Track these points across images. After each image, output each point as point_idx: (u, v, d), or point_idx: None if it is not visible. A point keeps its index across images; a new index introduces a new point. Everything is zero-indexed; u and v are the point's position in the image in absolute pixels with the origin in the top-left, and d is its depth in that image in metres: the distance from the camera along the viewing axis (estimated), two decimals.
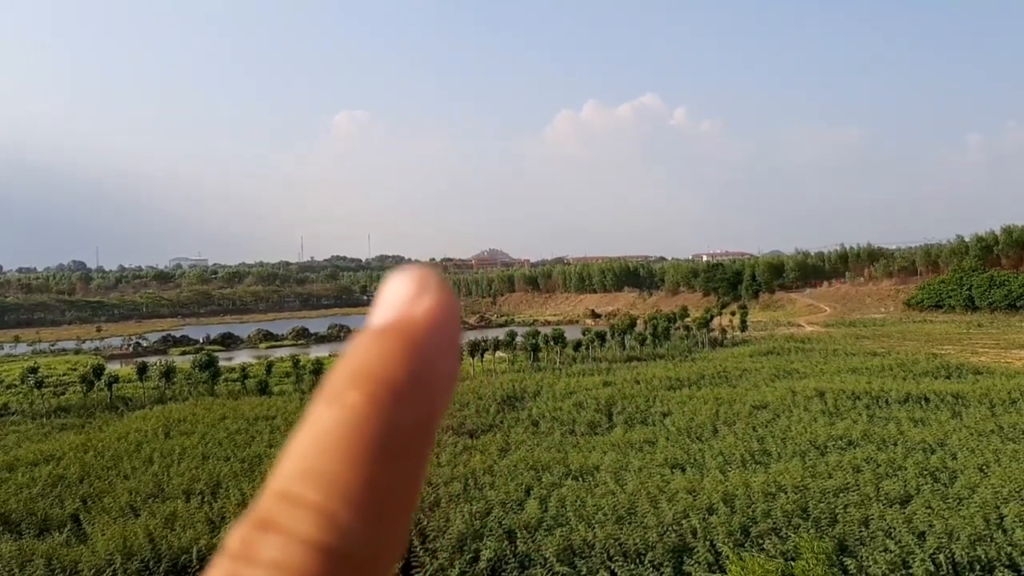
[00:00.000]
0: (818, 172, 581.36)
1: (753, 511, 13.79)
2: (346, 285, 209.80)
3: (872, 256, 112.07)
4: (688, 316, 71.67)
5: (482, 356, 49.95)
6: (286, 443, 0.53)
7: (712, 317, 67.35)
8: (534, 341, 52.85)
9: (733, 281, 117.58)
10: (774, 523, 13.22)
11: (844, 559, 11.45)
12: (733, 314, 73.07)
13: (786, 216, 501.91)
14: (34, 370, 43.90)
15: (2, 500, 18.18)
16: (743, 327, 68.09)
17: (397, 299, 0.56)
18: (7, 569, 13.16)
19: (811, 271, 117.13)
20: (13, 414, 38.36)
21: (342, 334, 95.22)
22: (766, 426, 23.96)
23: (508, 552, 12.72)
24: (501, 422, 27.98)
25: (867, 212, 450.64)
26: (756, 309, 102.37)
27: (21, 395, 42.72)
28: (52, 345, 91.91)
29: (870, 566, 11.22)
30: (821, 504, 13.99)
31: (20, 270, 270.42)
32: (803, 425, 23.40)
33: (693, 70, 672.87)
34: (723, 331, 64.50)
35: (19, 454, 24.95)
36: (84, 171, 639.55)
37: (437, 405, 0.55)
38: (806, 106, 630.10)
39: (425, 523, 14.09)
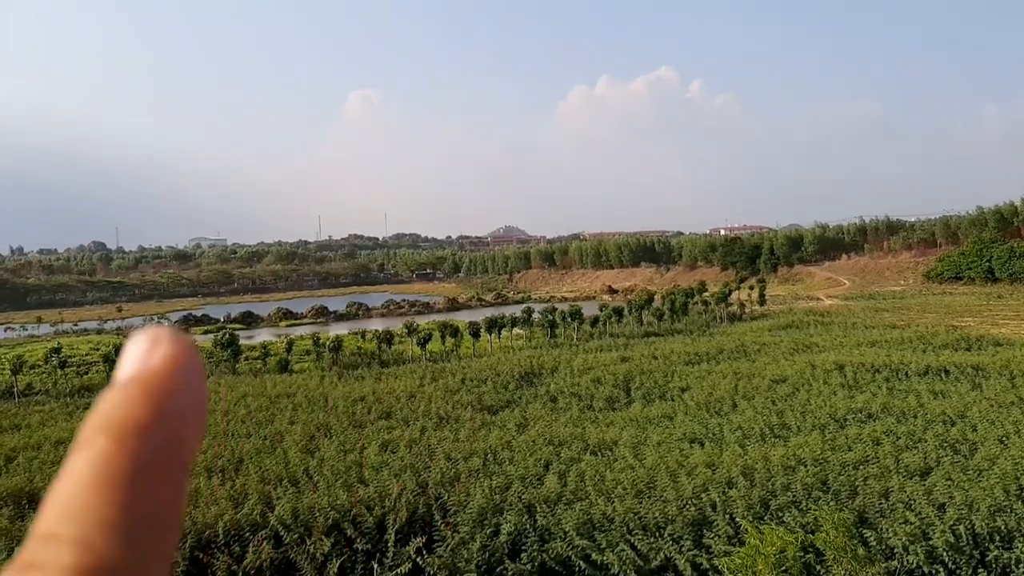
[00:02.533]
0: (835, 145, 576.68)
1: (773, 484, 13.83)
2: (364, 263, 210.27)
3: (891, 228, 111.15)
4: (706, 291, 71.45)
5: (499, 333, 50.09)
6: (53, 489, 0.61)
7: (730, 292, 67.15)
8: (551, 318, 52.92)
9: (751, 255, 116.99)
10: (794, 496, 13.25)
11: (864, 531, 11.48)
12: (751, 288, 72.73)
13: (804, 190, 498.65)
14: (57, 350, 44.44)
15: (29, 479, 18.47)
16: (762, 301, 67.85)
17: (136, 355, 0.69)
18: None
19: (830, 244, 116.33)
20: (37, 394, 38.89)
21: (360, 312, 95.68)
22: (785, 400, 23.95)
23: (528, 526, 12.83)
24: (519, 398, 28.11)
25: (885, 184, 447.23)
26: (775, 283, 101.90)
27: (45, 375, 43.26)
28: (74, 325, 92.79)
29: (890, 537, 11.26)
30: (841, 477, 14.01)
31: (41, 251, 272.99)
32: (822, 398, 23.37)
33: (708, 42, 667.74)
34: (741, 305, 64.30)
35: (45, 433, 25.31)
36: (103, 153, 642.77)
37: (185, 435, 0.62)
38: (822, 80, 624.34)
39: (446, 498, 14.22)
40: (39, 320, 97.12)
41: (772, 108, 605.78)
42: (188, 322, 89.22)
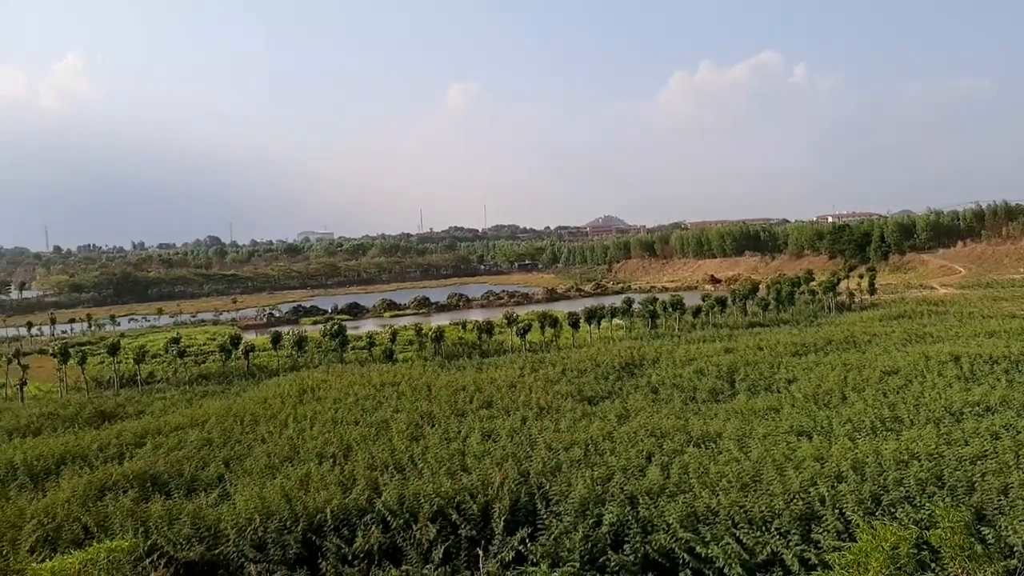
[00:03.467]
0: (947, 128, 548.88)
1: (884, 479, 13.39)
2: (464, 255, 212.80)
3: (1010, 214, 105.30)
4: (813, 280, 69.60)
5: (599, 323, 49.95)
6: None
7: (838, 281, 65.18)
8: (652, 308, 52.47)
9: (860, 243, 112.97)
10: (907, 491, 12.80)
11: (982, 528, 11.01)
12: (861, 277, 70.34)
13: (915, 175, 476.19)
14: (176, 340, 46.69)
15: (152, 462, 19.47)
16: (871, 290, 65.57)
17: None
18: (157, 527, 14.13)
19: (944, 231, 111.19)
20: (159, 382, 41.00)
21: (461, 303, 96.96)
22: (897, 392, 23.13)
23: (630, 517, 12.80)
24: (620, 389, 28.01)
25: (1003, 168, 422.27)
26: (885, 272, 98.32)
27: (165, 364, 45.51)
28: (192, 317, 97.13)
29: (1009, 535, 10.75)
30: (957, 472, 13.44)
31: (161, 246, 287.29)
32: (937, 391, 22.47)
33: (813, 24, 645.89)
34: (850, 295, 62.41)
35: (167, 419, 26.63)
36: (218, 151, 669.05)
37: None
38: (932, 58, 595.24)
39: (548, 487, 14.32)
40: (159, 312, 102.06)
41: (880, 90, 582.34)
42: (298, 313, 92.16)
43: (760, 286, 68.24)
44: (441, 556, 12.60)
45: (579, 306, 58.51)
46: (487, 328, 47.19)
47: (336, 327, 47.74)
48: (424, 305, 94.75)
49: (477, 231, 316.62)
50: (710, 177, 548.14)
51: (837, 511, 12.21)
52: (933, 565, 9.98)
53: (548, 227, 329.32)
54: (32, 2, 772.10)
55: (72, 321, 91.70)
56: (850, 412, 20.47)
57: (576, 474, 14.96)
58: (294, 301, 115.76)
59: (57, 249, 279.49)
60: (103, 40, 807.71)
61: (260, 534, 13.56)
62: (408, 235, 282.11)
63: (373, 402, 26.88)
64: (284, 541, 13.43)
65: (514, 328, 46.51)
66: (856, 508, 12.09)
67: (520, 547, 12.47)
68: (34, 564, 12.34)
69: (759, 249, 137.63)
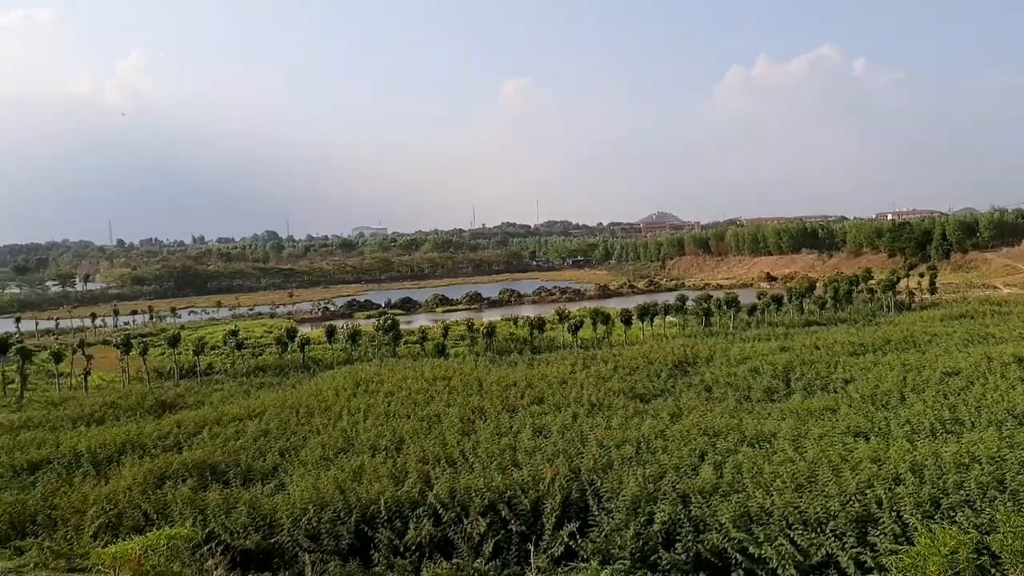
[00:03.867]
0: (1013, 122, 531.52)
1: (944, 482, 13.08)
2: (516, 251, 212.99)
3: None
4: (872, 278, 68.19)
5: (651, 321, 49.65)
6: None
7: (898, 279, 63.80)
8: (706, 305, 51.99)
9: (921, 241, 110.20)
10: (967, 495, 12.49)
11: None
12: (921, 276, 68.72)
13: (979, 171, 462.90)
14: (234, 333, 47.69)
15: (210, 452, 19.91)
16: (932, 289, 64.07)
17: None
18: (214, 515, 14.44)
19: (1008, 229, 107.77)
20: (217, 373, 41.91)
21: (512, 298, 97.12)
22: (958, 394, 22.55)
23: (682, 516, 12.71)
24: (672, 387, 27.81)
25: None
26: (946, 271, 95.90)
27: (224, 356, 46.49)
28: (250, 310, 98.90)
29: None
30: (1020, 476, 13.08)
31: (220, 240, 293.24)
32: (1000, 393, 21.84)
33: (874, 16, 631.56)
34: (910, 294, 61.08)
35: (224, 410, 27.19)
36: (276, 148, 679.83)
37: None
38: (996, 51, 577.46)
39: (599, 484, 14.30)
40: (218, 304, 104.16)
41: (945, 84, 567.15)
42: (352, 307, 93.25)
43: (817, 284, 67.18)
44: (491, 550, 12.68)
45: (631, 303, 58.24)
46: (538, 324, 47.22)
47: (389, 321, 48.25)
48: (476, 301, 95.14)
49: (529, 227, 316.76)
50: (766, 173, 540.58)
51: (894, 514, 11.97)
52: (994, 571, 9.74)
53: (601, 223, 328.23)
54: (97, 1, 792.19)
55: (134, 313, 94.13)
56: (909, 413, 20.03)
57: (628, 471, 14.88)
58: (348, 295, 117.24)
59: (120, 243, 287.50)
60: (166, 38, 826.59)
61: (314, 524, 13.79)
62: (460, 231, 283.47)
63: (425, 396, 27.09)
64: (337, 532, 13.64)
65: (566, 324, 46.46)
66: (914, 511, 11.84)
67: (570, 543, 12.48)
68: (97, 549, 12.70)
69: (816, 247, 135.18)
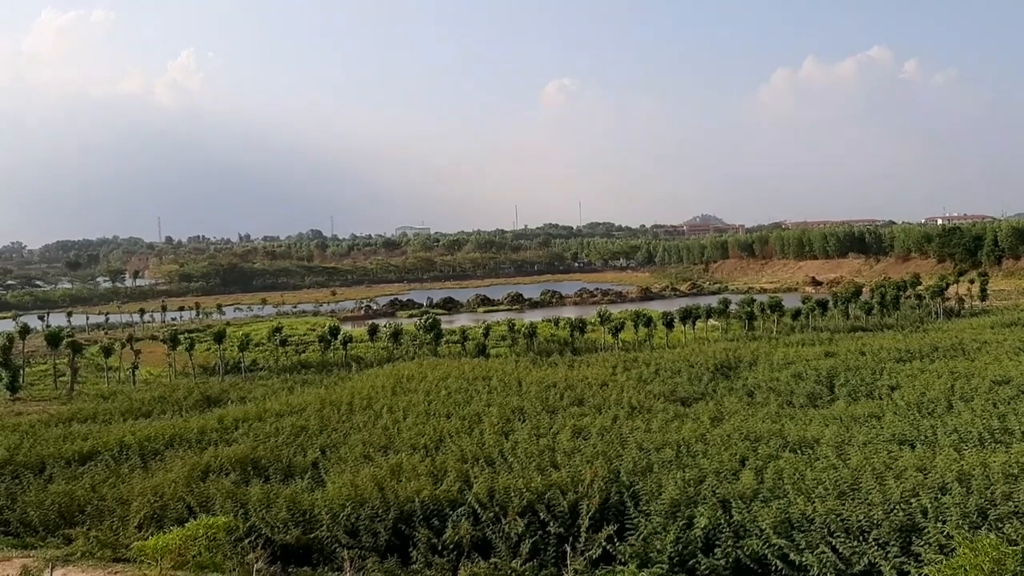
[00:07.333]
0: None
1: (992, 493, 12.81)
2: (558, 252, 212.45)
3: None
4: (920, 284, 67.03)
5: (694, 324, 49.28)
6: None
7: (947, 285, 62.54)
8: (749, 309, 51.42)
9: (971, 246, 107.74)
10: (1016, 506, 12.23)
11: None
12: (972, 282, 67.25)
13: None
14: (278, 330, 48.24)
15: (253, 447, 20.19)
16: (983, 296, 62.67)
17: None
18: (255, 509, 14.66)
19: None
20: (261, 369, 42.48)
21: (554, 299, 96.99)
22: (1008, 403, 21.99)
23: (723, 521, 12.63)
24: (714, 391, 27.57)
25: None
26: (998, 277, 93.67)
27: (267, 352, 47.08)
28: (294, 307, 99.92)
29: None
30: None
31: (265, 238, 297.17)
32: None
33: (926, 16, 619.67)
34: (960, 300, 59.81)
35: (267, 406, 27.53)
36: (321, 148, 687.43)
37: None
38: None
39: (638, 487, 14.24)
40: (263, 302, 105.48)
41: (999, 85, 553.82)
42: (394, 306, 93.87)
43: (863, 289, 66.09)
44: (529, 551, 12.70)
45: (674, 306, 57.81)
46: (580, 325, 47.12)
47: (431, 321, 48.49)
48: (517, 301, 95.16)
49: (572, 228, 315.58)
50: (812, 176, 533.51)
51: (940, 523, 11.75)
52: None
53: (643, 225, 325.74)
54: (148, 1, 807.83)
55: (181, 309, 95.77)
56: (956, 422, 19.62)
57: (667, 475, 14.81)
58: (391, 294, 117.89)
59: (169, 240, 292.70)
60: (215, 38, 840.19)
61: (353, 521, 13.95)
62: (503, 231, 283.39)
63: (465, 396, 27.16)
64: (375, 529, 13.78)
65: (607, 326, 46.27)
66: (961, 522, 11.62)
67: (607, 545, 12.45)
68: (140, 540, 12.98)
69: (863, 251, 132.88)
